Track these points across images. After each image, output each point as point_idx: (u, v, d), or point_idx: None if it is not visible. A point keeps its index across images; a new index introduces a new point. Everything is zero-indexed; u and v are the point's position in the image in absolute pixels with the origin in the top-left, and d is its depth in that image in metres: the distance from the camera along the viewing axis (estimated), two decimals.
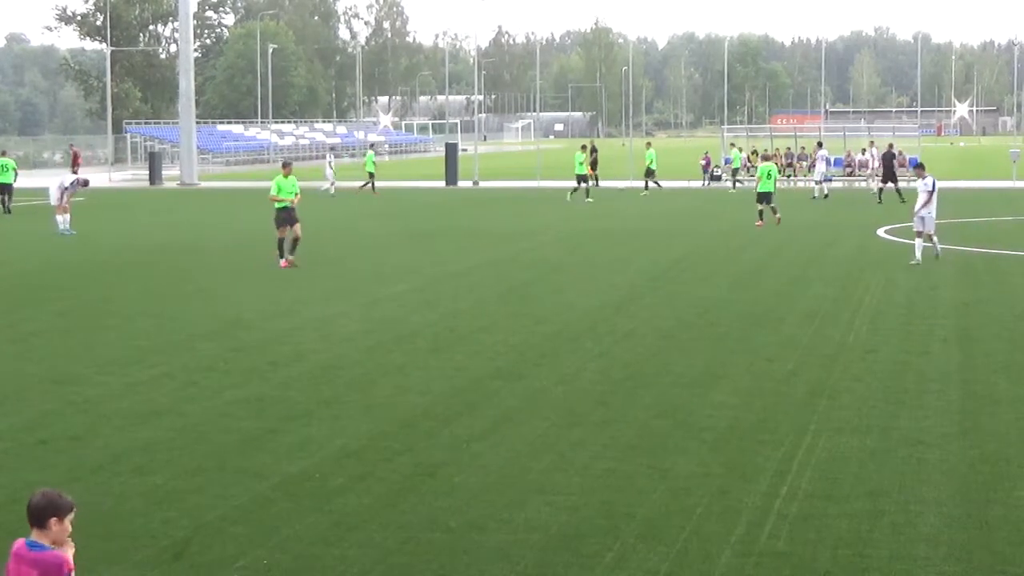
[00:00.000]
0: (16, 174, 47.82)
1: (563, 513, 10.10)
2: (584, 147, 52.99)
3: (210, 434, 12.78)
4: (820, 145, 54.47)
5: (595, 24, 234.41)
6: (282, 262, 27.04)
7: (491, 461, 11.64)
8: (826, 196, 49.97)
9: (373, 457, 11.84)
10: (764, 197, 37.11)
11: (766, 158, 41.37)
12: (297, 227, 27.34)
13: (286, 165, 28.90)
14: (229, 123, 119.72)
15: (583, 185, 49.98)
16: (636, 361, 16.44)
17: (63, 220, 36.78)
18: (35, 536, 5.99)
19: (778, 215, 37.09)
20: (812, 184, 51.83)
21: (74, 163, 65.61)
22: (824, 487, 10.73)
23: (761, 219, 36.97)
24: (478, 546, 9.38)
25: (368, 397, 14.43)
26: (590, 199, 48.62)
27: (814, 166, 56.36)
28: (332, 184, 56.04)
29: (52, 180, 40.10)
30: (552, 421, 13.15)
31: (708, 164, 64.62)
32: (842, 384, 14.86)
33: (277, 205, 27.71)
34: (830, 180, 51.37)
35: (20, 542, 6.02)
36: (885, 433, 12.51)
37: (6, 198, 46.45)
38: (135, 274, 27.08)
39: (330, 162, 57.94)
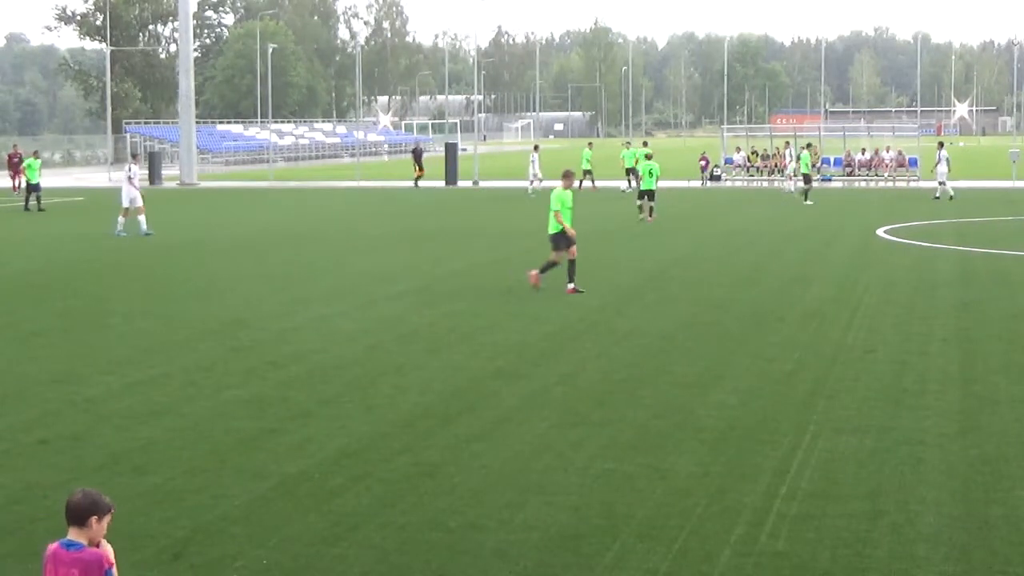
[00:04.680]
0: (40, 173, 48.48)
1: (563, 513, 10.10)
2: (809, 145, 52.77)
3: (210, 434, 12.78)
4: (941, 145, 53.58)
5: (595, 24, 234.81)
6: (569, 287, 22.63)
7: (491, 461, 11.64)
8: (951, 198, 48.68)
9: (373, 457, 11.84)
10: (646, 194, 39.36)
11: (648, 156, 41.99)
12: (573, 248, 22.85)
13: (568, 175, 23.48)
14: (229, 123, 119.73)
15: (809, 185, 49.53)
16: (636, 361, 16.43)
17: (122, 222, 36.07)
18: (72, 535, 6.01)
19: (653, 216, 38.86)
20: (936, 184, 51.27)
21: (15, 169, 57.01)
22: (824, 487, 10.73)
23: (643, 213, 39.08)
24: (478, 546, 9.38)
25: (368, 397, 14.42)
26: (810, 201, 48.15)
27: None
28: (532, 183, 53.83)
29: (120, 181, 39.29)
30: (552, 421, 13.15)
31: (707, 164, 64.75)
32: (842, 384, 14.86)
33: (555, 228, 22.92)
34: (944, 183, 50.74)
35: (54, 546, 6.03)
36: (885, 433, 12.50)
37: (31, 196, 46.93)
38: (135, 274, 27.08)
39: (534, 160, 55.34)
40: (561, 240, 22.92)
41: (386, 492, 10.72)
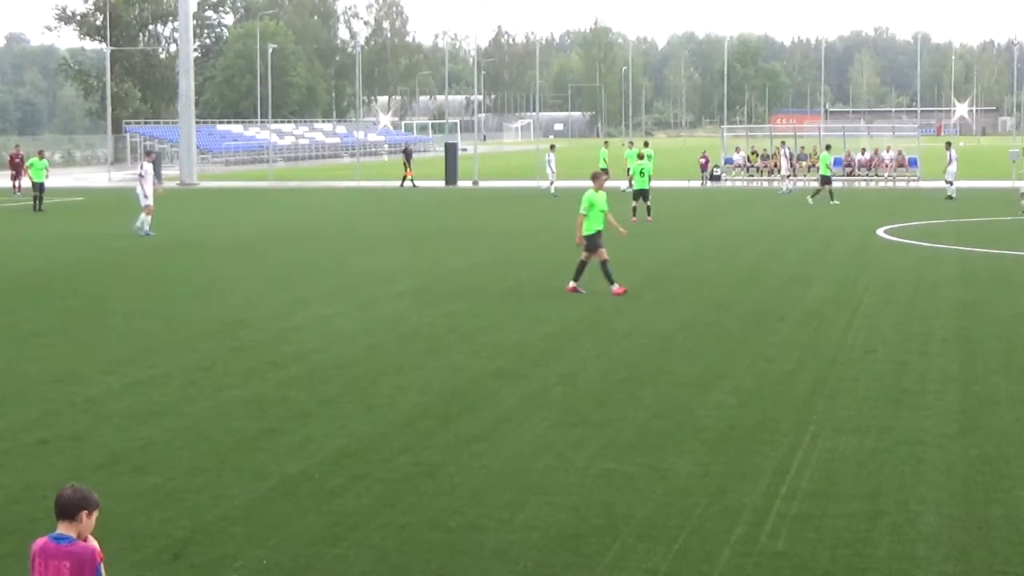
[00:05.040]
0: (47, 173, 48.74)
1: (563, 513, 10.10)
2: (829, 147, 52.57)
3: (209, 434, 12.78)
4: (948, 146, 53.47)
5: (595, 24, 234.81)
6: (571, 285, 22.73)
7: (491, 461, 11.64)
8: (950, 197, 49.06)
9: (373, 457, 11.84)
10: (640, 194, 39.76)
11: (640, 157, 42.19)
12: (603, 250, 22.64)
13: (597, 176, 23.28)
14: (229, 123, 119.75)
15: (826, 187, 49.11)
16: (636, 361, 16.43)
17: (144, 220, 36.03)
18: (62, 529, 6.03)
19: (651, 215, 39.22)
20: (945, 184, 51.36)
21: (17, 170, 55.80)
22: (823, 487, 10.73)
23: (635, 215, 38.81)
24: (478, 546, 9.38)
25: (368, 397, 14.43)
26: (836, 201, 47.99)
27: (814, 166, 56.33)
28: (552, 183, 54.45)
29: (133, 183, 39.17)
30: (552, 421, 13.15)
31: (707, 164, 64.78)
32: (841, 384, 14.86)
33: (586, 230, 22.70)
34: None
35: (42, 540, 6.05)
36: (885, 433, 12.50)
37: (37, 196, 46.99)
38: (135, 274, 27.08)
39: (550, 159, 55.74)
40: (596, 240, 22.71)
41: (386, 492, 10.72)
